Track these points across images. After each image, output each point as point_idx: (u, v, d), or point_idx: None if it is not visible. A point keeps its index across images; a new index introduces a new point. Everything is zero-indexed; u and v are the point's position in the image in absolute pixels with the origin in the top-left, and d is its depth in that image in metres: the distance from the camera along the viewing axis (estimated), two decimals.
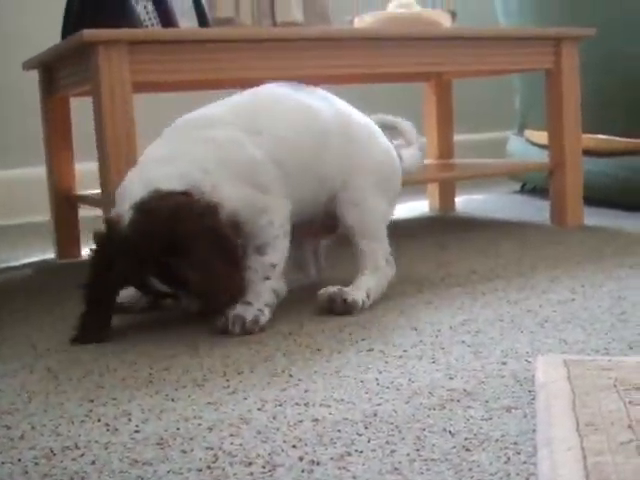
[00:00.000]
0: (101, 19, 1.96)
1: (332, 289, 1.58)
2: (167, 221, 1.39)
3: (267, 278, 1.51)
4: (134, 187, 1.47)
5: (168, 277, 1.42)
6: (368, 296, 1.60)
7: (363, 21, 2.44)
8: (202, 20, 2.28)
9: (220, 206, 1.44)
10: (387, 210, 1.71)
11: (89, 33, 1.78)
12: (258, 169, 1.53)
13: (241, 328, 1.45)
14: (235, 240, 1.44)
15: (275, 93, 1.67)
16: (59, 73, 2.19)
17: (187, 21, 2.25)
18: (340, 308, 1.56)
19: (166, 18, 2.13)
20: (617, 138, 2.71)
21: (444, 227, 2.04)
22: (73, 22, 2.06)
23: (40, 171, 2.48)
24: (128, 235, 1.41)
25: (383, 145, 1.73)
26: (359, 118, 1.73)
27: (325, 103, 1.68)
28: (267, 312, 1.49)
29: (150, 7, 2.11)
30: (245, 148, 1.53)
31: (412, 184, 2.37)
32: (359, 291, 1.59)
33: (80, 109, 2.32)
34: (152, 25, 2.09)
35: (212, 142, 1.52)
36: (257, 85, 2.55)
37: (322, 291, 1.59)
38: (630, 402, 1.00)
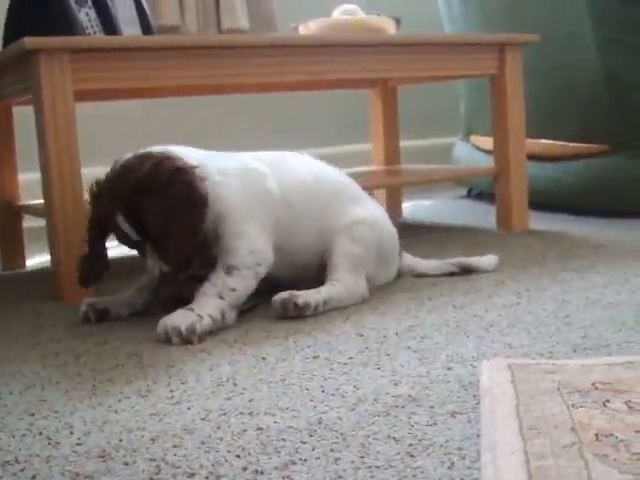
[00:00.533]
0: (43, 27, 1.94)
1: (284, 295, 1.58)
2: (148, 165, 1.50)
3: (221, 298, 1.52)
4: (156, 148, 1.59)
5: (133, 218, 1.49)
6: (325, 302, 1.61)
7: (308, 28, 2.44)
8: (146, 28, 2.26)
9: (215, 199, 1.55)
10: (374, 262, 1.74)
11: (31, 41, 1.76)
12: (267, 201, 1.62)
13: (179, 338, 1.44)
14: (204, 207, 1.51)
15: (301, 154, 1.85)
16: (1, 81, 2.16)
17: (131, 29, 2.23)
18: (293, 313, 1.57)
19: (109, 26, 2.11)
20: (561, 143, 2.73)
21: None
22: (15, 30, 2.03)
23: None
24: (114, 170, 1.54)
25: (372, 202, 1.86)
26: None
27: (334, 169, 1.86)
28: (207, 321, 1.47)
29: (93, 15, 2.09)
30: (267, 180, 1.65)
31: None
32: (317, 295, 1.61)
33: (25, 118, 2.29)
34: (95, 33, 2.07)
35: (244, 164, 1.67)
36: (202, 92, 2.55)
37: (276, 297, 1.58)
38: (573, 405, 1.00)
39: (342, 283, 1.65)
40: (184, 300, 1.56)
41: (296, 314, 1.57)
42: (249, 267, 1.56)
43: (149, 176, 1.49)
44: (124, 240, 1.56)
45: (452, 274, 1.87)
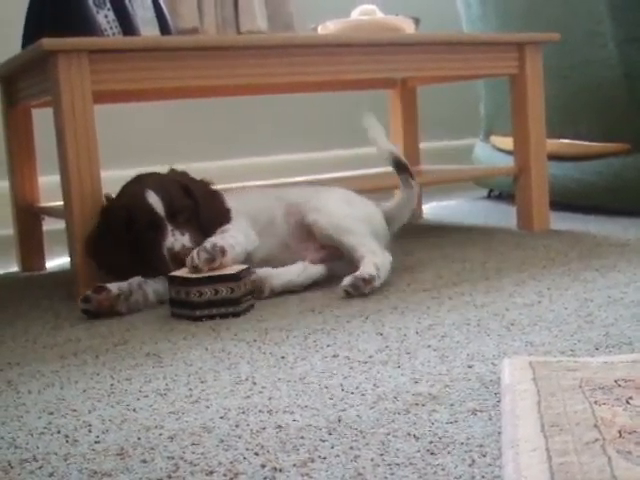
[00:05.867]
0: (61, 28, 1.94)
1: (348, 278, 1.69)
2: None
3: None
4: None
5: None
6: (378, 269, 1.72)
7: (327, 29, 2.43)
8: (164, 29, 2.26)
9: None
10: (357, 217, 1.87)
11: (49, 42, 1.76)
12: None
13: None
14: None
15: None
16: (20, 84, 2.17)
17: (150, 30, 2.23)
18: (366, 288, 1.69)
19: (128, 27, 2.11)
20: (581, 142, 2.72)
21: (411, 233, 2.05)
22: (33, 32, 2.03)
23: (3, 185, 2.44)
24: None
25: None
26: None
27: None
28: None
29: (111, 16, 2.09)
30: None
31: (378, 191, 2.36)
32: (370, 266, 1.72)
33: (45, 120, 2.29)
34: (113, 34, 2.07)
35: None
36: (220, 94, 2.55)
37: (343, 284, 1.70)
38: (596, 402, 0.99)
39: (367, 256, 1.76)
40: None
41: (368, 290, 1.69)
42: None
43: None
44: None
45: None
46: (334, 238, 1.83)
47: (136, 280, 1.72)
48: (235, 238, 1.71)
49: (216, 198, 1.86)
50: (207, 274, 1.61)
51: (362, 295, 1.69)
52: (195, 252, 1.62)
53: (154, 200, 1.74)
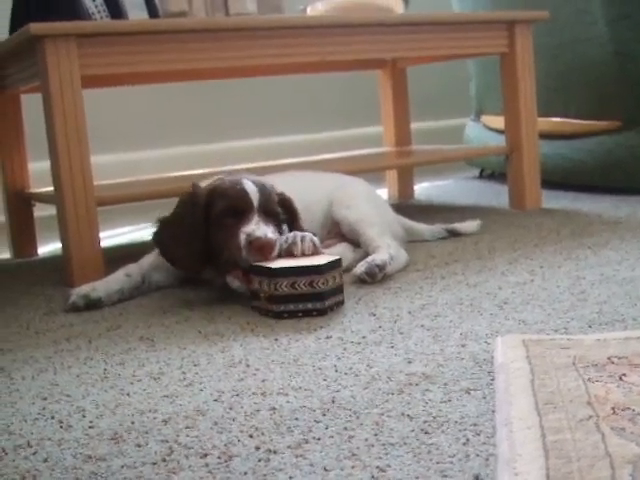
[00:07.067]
0: (49, 13, 1.93)
1: (362, 265, 1.68)
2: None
3: None
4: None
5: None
6: (391, 257, 1.72)
7: (316, 10, 2.42)
8: (152, 12, 2.25)
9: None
10: (380, 214, 1.92)
11: (36, 27, 1.75)
12: None
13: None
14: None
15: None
16: (8, 69, 2.16)
17: (138, 14, 2.22)
18: (380, 275, 1.67)
19: (115, 11, 2.10)
20: (571, 120, 2.71)
21: (402, 214, 2.05)
22: (21, 17, 2.02)
23: None
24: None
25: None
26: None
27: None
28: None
29: (99, 0, 2.08)
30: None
31: (370, 172, 2.36)
32: (383, 254, 1.72)
33: (35, 106, 2.28)
34: (101, 18, 2.06)
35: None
36: (210, 76, 2.54)
37: (356, 271, 1.68)
38: (589, 379, 0.99)
39: (383, 247, 1.76)
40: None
41: (381, 276, 1.67)
42: None
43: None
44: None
45: (443, 238, 2.09)
46: (358, 231, 1.83)
47: (133, 281, 1.70)
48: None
49: (296, 217, 1.72)
50: (306, 263, 1.49)
51: (374, 282, 1.66)
52: (299, 237, 1.57)
53: (251, 189, 1.61)
